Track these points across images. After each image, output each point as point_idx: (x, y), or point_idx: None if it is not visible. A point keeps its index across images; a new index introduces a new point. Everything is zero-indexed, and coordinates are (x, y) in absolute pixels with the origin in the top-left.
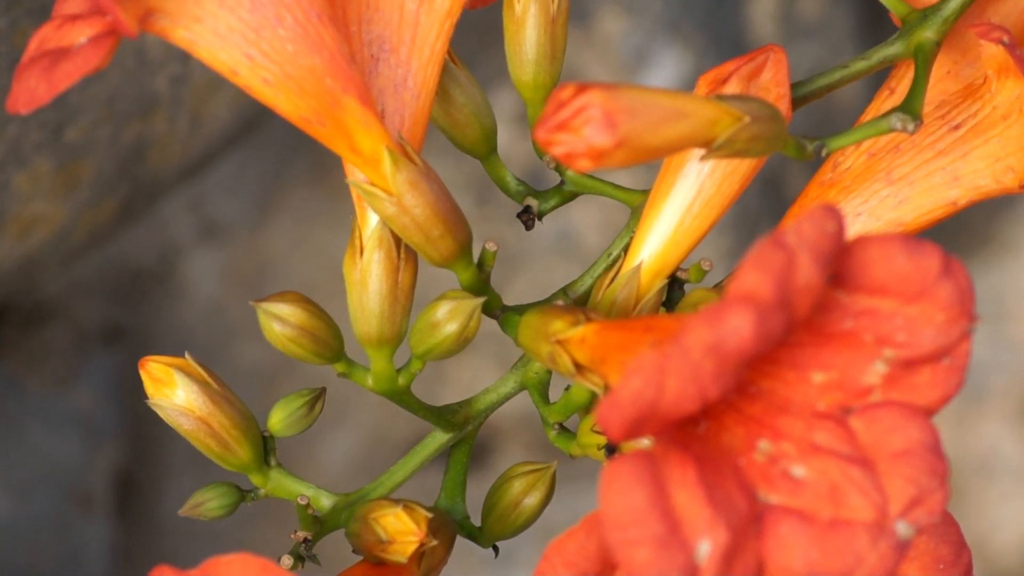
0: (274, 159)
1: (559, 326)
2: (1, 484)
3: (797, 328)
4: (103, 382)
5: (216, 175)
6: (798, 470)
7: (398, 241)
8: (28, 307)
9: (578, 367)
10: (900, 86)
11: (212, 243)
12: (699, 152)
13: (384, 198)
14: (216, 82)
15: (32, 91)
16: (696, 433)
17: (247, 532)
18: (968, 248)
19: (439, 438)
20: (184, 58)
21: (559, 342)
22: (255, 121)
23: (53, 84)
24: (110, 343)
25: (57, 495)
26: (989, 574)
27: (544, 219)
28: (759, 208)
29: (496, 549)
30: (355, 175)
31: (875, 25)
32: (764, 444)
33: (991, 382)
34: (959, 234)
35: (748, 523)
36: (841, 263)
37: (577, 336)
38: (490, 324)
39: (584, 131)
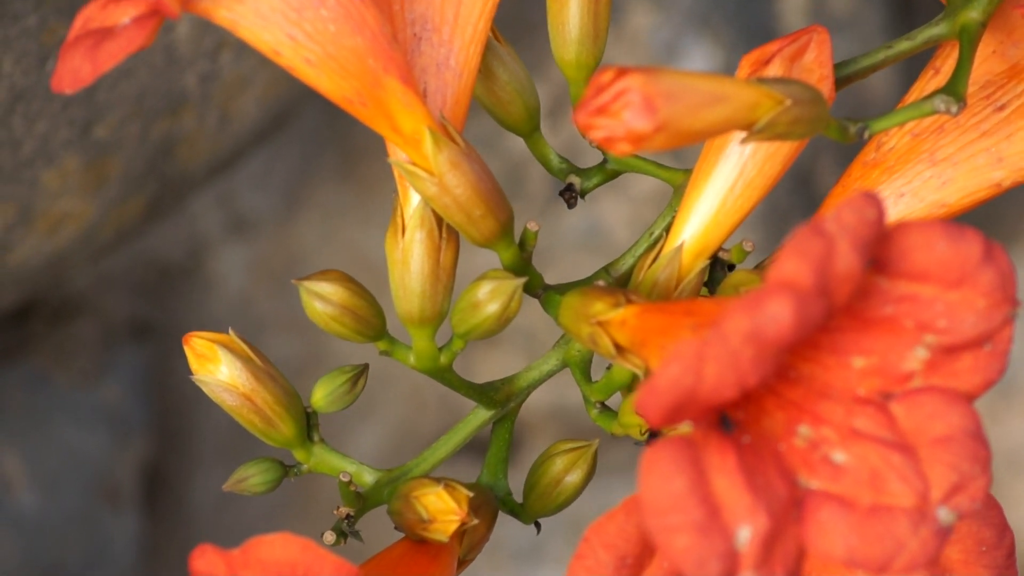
0: (302, 155)
1: (600, 307)
2: (29, 478)
3: (837, 314)
4: (131, 377)
5: (244, 171)
6: (838, 455)
7: (440, 221)
8: (57, 302)
9: (619, 349)
10: (945, 66)
11: (240, 238)
12: (741, 133)
13: (425, 178)
14: (244, 79)
15: (76, 71)
16: (736, 418)
17: (276, 526)
18: (1005, 238)
19: (481, 415)
20: (213, 55)
21: (600, 324)
22: (283, 117)
23: (97, 64)
24: (138, 338)
25: (85, 489)
26: (1019, 568)
27: (573, 214)
28: (789, 203)
29: (538, 525)
30: (397, 155)
31: (905, 18)
32: (804, 429)
33: (1022, 377)
34: (991, 227)
35: (788, 509)
36: (882, 249)
37: (618, 318)
38: (520, 319)
39: (623, 115)
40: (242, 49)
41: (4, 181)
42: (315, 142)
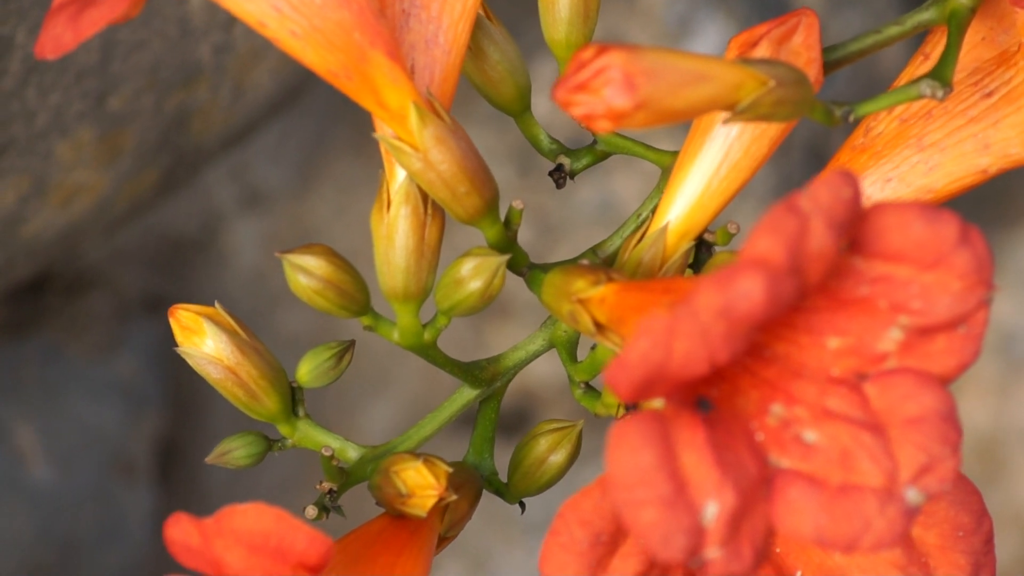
0: (316, 128)
1: (580, 285)
2: (44, 452)
3: (812, 293)
4: (145, 350)
5: (258, 144)
6: (810, 435)
7: (425, 197)
8: (70, 275)
9: (598, 326)
10: (935, 52)
11: (254, 212)
12: (727, 115)
13: (411, 153)
14: (259, 51)
15: (59, 38)
16: (709, 395)
17: (289, 499)
18: (1011, 219)
19: (467, 394)
20: (227, 27)
21: (580, 301)
22: (297, 90)
23: (79, 31)
24: (152, 311)
25: (99, 463)
26: None
27: (586, 188)
28: (802, 176)
29: (523, 505)
30: (383, 130)
31: None
32: (777, 408)
33: None
34: (1001, 205)
35: (757, 486)
36: (858, 229)
37: (598, 295)
38: (531, 293)
39: (604, 92)
40: None
41: (18, 153)
42: (329, 115)
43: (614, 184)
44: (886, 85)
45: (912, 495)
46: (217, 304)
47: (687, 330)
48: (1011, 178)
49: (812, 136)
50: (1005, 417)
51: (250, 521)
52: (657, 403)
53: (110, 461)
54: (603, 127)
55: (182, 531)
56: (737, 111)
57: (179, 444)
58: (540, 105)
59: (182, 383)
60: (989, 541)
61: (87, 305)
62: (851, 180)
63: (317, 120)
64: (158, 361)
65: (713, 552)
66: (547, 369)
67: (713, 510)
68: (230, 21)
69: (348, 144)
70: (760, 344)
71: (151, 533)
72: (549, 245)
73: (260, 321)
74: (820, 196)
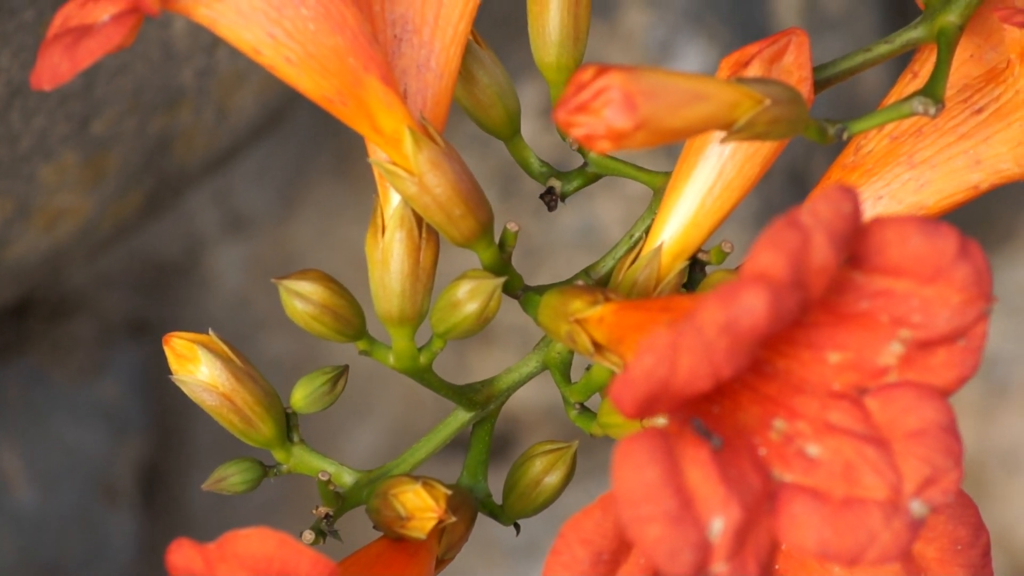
0: (299, 152)
1: (578, 305)
2: (27, 476)
3: (813, 308)
4: (128, 374)
5: (241, 168)
6: (813, 449)
7: (420, 220)
8: (54, 299)
9: (596, 346)
10: (923, 70)
11: (237, 236)
12: (721, 134)
13: (405, 177)
14: (242, 74)
15: (55, 68)
16: (711, 411)
17: (272, 524)
18: (993, 242)
19: (461, 417)
20: (210, 50)
21: (578, 321)
22: (280, 113)
23: (76, 61)
24: (135, 335)
25: (82, 487)
26: (1013, 567)
27: (568, 213)
28: (783, 201)
29: (517, 527)
30: (377, 154)
31: (899, 17)
32: (779, 423)
33: (1016, 375)
34: (985, 228)
35: (762, 501)
36: (858, 244)
37: (595, 315)
38: (514, 317)
39: (604, 113)
40: None
41: (2, 176)
42: (312, 139)
43: (596, 208)
44: (868, 107)
45: (917, 507)
46: (211, 331)
47: (691, 346)
48: (994, 200)
49: (793, 161)
50: (987, 440)
51: (253, 545)
52: (660, 420)
53: (93, 485)
54: (603, 147)
55: (184, 557)
56: (734, 130)
57: (162, 468)
58: (523, 128)
59: (165, 407)
60: (986, 554)
61: (70, 329)
62: (851, 195)
63: (300, 145)
64: (141, 385)
65: (719, 567)
66: (530, 394)
67: (719, 525)
68: (213, 45)
69: (331, 168)
70: (761, 360)
71: (134, 557)
72: (530, 268)
73: (243, 345)
74: (821, 211)
